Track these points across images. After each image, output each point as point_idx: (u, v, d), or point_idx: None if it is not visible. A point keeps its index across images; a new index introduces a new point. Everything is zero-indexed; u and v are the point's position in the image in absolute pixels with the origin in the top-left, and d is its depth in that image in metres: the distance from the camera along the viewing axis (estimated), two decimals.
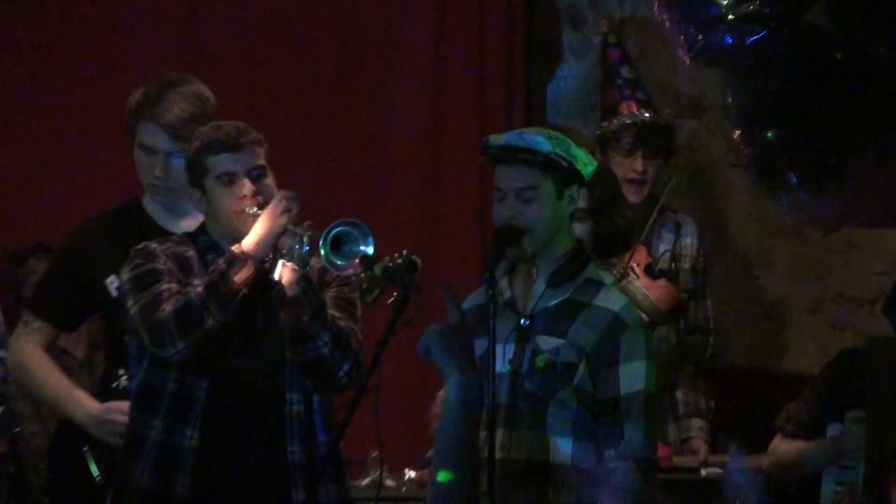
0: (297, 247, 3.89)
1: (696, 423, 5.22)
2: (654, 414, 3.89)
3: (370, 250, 3.82)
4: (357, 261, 3.83)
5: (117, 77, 5.46)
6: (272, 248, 3.93)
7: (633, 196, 5.12)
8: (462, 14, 6.09)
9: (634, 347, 3.85)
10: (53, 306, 4.34)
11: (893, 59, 3.81)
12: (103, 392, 4.30)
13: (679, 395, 5.27)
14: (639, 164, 5.18)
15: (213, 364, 4.01)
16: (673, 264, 5.34)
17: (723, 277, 6.08)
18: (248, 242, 3.88)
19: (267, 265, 3.94)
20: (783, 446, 4.66)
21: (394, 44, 6.01)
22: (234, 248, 3.88)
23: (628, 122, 5.25)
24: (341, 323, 4.01)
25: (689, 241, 5.35)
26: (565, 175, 3.84)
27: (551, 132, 3.95)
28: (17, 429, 4.61)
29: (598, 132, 5.35)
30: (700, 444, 5.14)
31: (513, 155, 3.84)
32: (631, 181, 5.15)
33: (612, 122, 5.28)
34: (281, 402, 3.99)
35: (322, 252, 3.83)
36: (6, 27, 5.74)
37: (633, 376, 3.92)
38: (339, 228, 3.82)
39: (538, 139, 3.88)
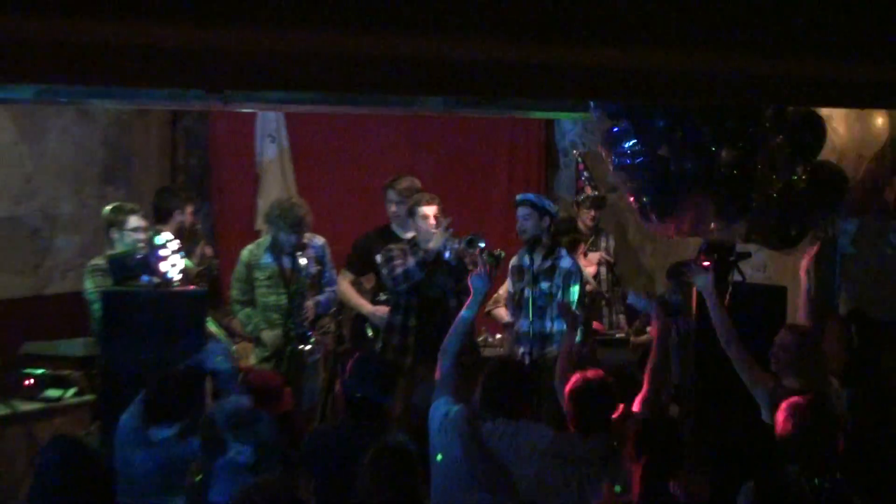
0: (448, 249, 6.39)
1: (621, 317, 8.06)
2: (582, 308, 6.17)
3: (483, 244, 6.35)
4: (477, 251, 6.29)
5: (374, 175, 8.07)
6: (441, 249, 6.44)
7: (590, 223, 7.90)
8: (520, 151, 9.18)
9: (575, 283, 6.26)
10: (354, 265, 7.26)
11: (697, 169, 5.17)
12: (374, 302, 7.10)
13: (614, 307, 7.88)
14: (593, 213, 8.11)
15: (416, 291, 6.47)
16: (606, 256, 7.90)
17: (626, 258, 8.63)
18: (429, 246, 6.46)
19: (438, 252, 6.45)
20: None
21: (490, 162, 9.19)
22: (425, 246, 6.47)
23: (588, 196, 8.09)
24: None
25: (611, 243, 8.24)
26: (542, 212, 6.34)
27: (541, 196, 6.50)
28: (340, 316, 7.08)
29: (574, 200, 8.25)
30: (624, 324, 7.92)
31: (522, 203, 6.40)
32: (590, 219, 8.08)
33: (581, 196, 8.15)
34: (446, 301, 6.62)
35: (459, 246, 6.35)
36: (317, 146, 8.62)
37: (572, 294, 6.42)
38: (470, 237, 6.39)
39: (531, 197, 6.39)
